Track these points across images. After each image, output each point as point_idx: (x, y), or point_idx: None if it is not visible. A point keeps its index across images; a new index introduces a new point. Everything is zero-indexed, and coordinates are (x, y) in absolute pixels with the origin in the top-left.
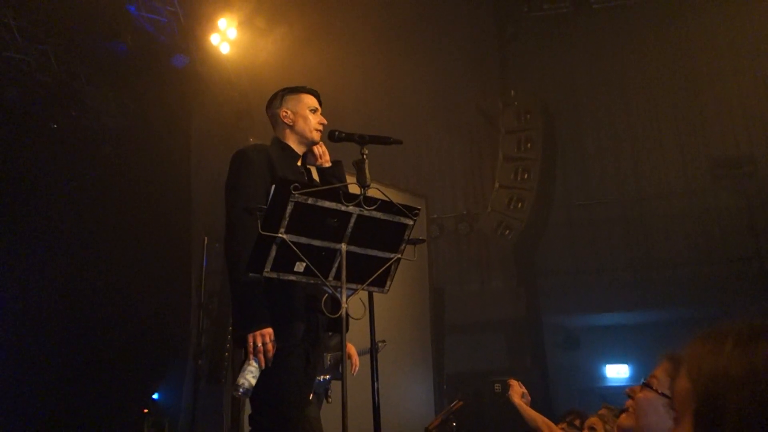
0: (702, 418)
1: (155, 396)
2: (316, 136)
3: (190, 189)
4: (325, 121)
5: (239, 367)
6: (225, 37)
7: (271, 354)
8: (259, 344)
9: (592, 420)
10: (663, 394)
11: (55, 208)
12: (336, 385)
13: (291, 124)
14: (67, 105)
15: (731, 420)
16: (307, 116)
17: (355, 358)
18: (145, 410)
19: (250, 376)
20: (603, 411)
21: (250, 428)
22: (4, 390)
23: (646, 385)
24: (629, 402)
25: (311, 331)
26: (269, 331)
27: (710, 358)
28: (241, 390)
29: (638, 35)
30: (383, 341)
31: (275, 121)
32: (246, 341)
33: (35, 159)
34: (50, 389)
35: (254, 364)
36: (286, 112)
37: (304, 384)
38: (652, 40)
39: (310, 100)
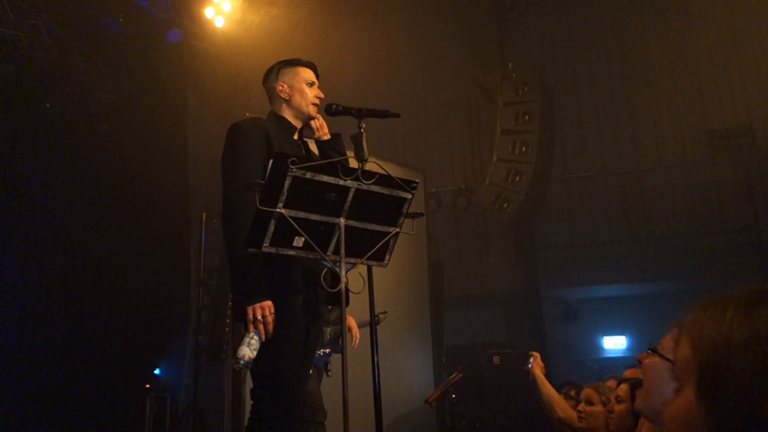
0: (704, 384)
1: (157, 371)
2: (313, 110)
3: (188, 165)
4: (322, 95)
5: (239, 341)
6: (219, 10)
7: (271, 326)
8: (259, 316)
9: (587, 392)
10: (667, 359)
11: (52, 187)
12: (336, 359)
13: (287, 98)
14: (61, 81)
15: (734, 386)
16: (304, 90)
17: (355, 331)
18: (147, 385)
19: (250, 348)
20: (611, 383)
21: (251, 402)
22: (6, 367)
23: (653, 351)
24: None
25: (311, 305)
26: (269, 303)
27: (711, 324)
28: (242, 362)
29: (637, 7)
30: (384, 312)
31: (271, 94)
32: (245, 314)
33: (29, 138)
34: (52, 366)
35: (254, 336)
36: (283, 86)
37: (305, 357)
38: (651, 11)
39: (307, 74)
